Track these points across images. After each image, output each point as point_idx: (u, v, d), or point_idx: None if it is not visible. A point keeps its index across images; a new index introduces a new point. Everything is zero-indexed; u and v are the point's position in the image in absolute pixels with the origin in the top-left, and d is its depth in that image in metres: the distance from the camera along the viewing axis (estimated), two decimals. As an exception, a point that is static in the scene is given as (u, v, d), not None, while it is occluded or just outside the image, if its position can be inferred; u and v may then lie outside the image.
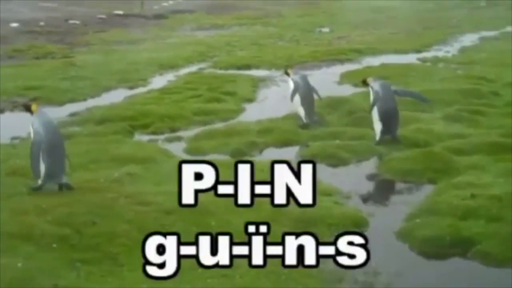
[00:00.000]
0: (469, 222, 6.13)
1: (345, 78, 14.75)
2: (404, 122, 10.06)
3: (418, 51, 19.24)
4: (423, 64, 16.77)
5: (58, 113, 11.98)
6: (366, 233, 6.01)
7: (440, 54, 18.54)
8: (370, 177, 7.88)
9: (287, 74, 10.74)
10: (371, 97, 9.28)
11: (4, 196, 7.04)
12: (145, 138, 10.09)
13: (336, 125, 10.26)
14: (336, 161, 8.49)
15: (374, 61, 17.28)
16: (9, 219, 6.27)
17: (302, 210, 6.29)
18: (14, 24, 25.75)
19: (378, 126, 9.11)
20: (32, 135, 7.28)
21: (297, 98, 10.08)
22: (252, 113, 11.33)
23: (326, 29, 26.28)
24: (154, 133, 10.37)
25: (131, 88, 14.62)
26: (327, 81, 14.53)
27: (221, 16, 32.78)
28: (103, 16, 30.48)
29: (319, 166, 8.20)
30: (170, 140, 9.85)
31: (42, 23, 26.66)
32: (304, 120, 10.05)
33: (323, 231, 6.10)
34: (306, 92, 10.12)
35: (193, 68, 17.36)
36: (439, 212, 6.37)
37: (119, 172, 7.77)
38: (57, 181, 7.18)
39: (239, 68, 17.01)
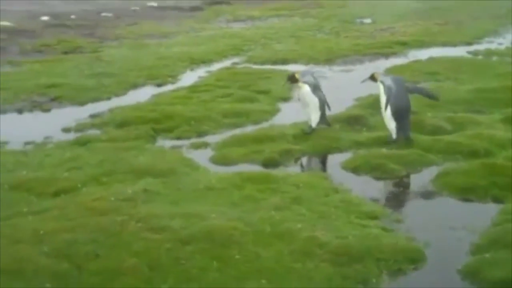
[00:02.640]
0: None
1: (390, 73, 13.50)
2: (459, 125, 8.93)
3: (468, 43, 17.85)
4: (475, 58, 15.41)
5: (79, 113, 11.16)
6: (423, 271, 4.99)
7: (493, 46, 17.10)
8: (424, 195, 6.71)
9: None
10: (383, 94, 8.37)
11: (1, 217, 6.16)
12: (168, 143, 9.10)
13: (382, 129, 9.09)
14: (382, 174, 7.37)
15: (421, 54, 15.99)
16: (1, 249, 5.36)
17: (344, 241, 5.27)
18: (45, 18, 25.09)
19: (392, 125, 8.32)
20: None
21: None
22: (288, 115, 10.26)
23: (367, 20, 24.99)
24: (179, 138, 9.38)
25: (159, 85, 13.67)
26: (370, 77, 13.36)
27: (258, 7, 31.68)
28: (137, 8, 29.68)
29: (363, 180, 7.18)
30: (195, 147, 8.84)
31: (73, 16, 25.96)
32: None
33: (371, 269, 5.06)
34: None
35: (227, 63, 16.33)
36: (513, 244, 5.22)
37: (134, 187, 6.79)
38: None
39: (275, 62, 15.90)
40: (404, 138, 8.25)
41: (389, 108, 8.26)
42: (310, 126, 8.92)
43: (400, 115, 8.27)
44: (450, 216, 6.11)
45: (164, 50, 18.15)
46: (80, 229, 5.71)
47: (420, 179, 7.19)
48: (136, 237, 5.55)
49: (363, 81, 8.96)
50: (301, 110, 9.14)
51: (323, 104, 8.88)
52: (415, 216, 6.14)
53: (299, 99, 9.18)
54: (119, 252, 5.30)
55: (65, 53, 18.89)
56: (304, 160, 8.20)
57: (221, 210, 6.15)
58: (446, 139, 8.25)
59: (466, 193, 6.59)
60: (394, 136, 8.31)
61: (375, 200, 6.55)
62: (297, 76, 8.97)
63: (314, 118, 8.90)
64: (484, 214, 6.11)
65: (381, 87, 8.40)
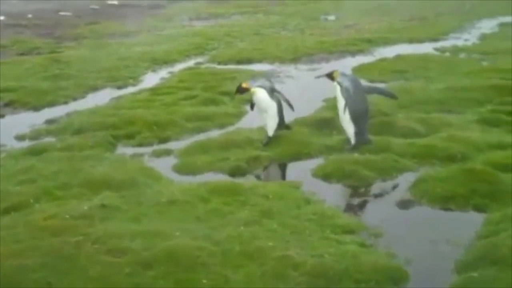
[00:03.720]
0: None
1: (358, 72, 13.11)
2: (432, 127, 8.59)
3: (434, 39, 17.63)
4: (442, 55, 15.15)
5: (34, 119, 10.59)
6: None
7: (459, 43, 16.91)
8: (401, 204, 6.30)
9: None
10: (340, 96, 7.98)
11: None
12: (129, 151, 8.57)
13: (353, 132, 8.73)
14: (355, 181, 6.97)
15: (388, 52, 15.69)
16: None
17: (320, 261, 4.85)
18: (0, 17, 24.21)
19: (350, 129, 7.92)
20: None
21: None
22: (254, 118, 9.75)
23: (332, 17, 24.73)
24: (140, 145, 8.86)
25: (119, 87, 13.11)
26: (337, 76, 12.99)
27: (221, 4, 31.19)
28: (96, 7, 28.98)
29: (335, 188, 6.78)
30: (158, 154, 8.35)
31: (30, 16, 25.15)
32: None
33: (350, 292, 4.63)
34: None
35: (190, 63, 15.83)
36: (502, 260, 4.83)
37: (90, 203, 6.27)
38: None
39: (239, 62, 15.45)
40: (363, 142, 7.88)
41: (347, 111, 7.86)
42: (267, 136, 8.37)
43: (359, 118, 7.90)
44: (431, 228, 5.73)
45: (125, 50, 17.58)
46: (30, 253, 5.18)
47: (395, 187, 6.81)
48: (93, 261, 5.05)
49: (318, 77, 8.58)
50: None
51: (281, 110, 8.33)
52: (394, 229, 5.73)
53: (252, 106, 8.62)
54: (73, 279, 4.80)
55: (21, 54, 18.20)
56: (272, 168, 7.74)
57: (186, 227, 5.68)
58: (420, 143, 7.89)
59: (446, 202, 6.21)
60: (352, 141, 7.92)
61: (349, 212, 6.15)
62: (244, 85, 8.41)
63: (271, 125, 8.31)
64: (467, 225, 5.75)
65: (338, 88, 8.00)
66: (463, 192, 6.29)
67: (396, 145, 7.87)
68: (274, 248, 5.16)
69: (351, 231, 5.64)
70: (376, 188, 6.84)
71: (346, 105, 7.85)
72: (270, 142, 8.27)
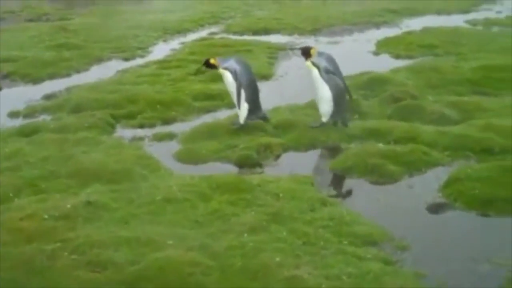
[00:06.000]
0: None
1: (382, 46, 12.27)
2: (465, 113, 7.71)
3: (465, 11, 16.57)
4: (474, 28, 14.12)
5: (32, 93, 9.87)
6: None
7: (491, 15, 15.82)
8: (432, 209, 5.43)
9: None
10: (318, 77, 7.13)
11: None
12: (128, 133, 7.80)
13: (377, 116, 7.86)
14: (379, 178, 6.11)
15: (415, 24, 14.71)
16: None
17: (336, 285, 4.04)
18: (11, -19, 23.36)
19: (328, 107, 7.24)
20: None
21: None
22: (268, 97, 8.92)
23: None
24: (141, 126, 8.09)
25: (126, 59, 12.34)
26: (361, 50, 12.11)
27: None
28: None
29: (356, 185, 5.94)
30: (159, 138, 7.56)
31: (41, -20, 24.25)
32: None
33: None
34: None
35: (203, 33, 14.95)
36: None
37: (75, 199, 5.49)
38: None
39: (255, 32, 14.55)
40: (340, 122, 7.31)
41: (329, 91, 7.11)
42: (237, 121, 7.52)
43: (340, 98, 7.22)
44: (468, 241, 4.87)
45: (135, 18, 16.71)
46: (-3, 263, 4.44)
47: (425, 185, 5.92)
48: (68, 276, 4.29)
49: (292, 49, 7.71)
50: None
51: (249, 96, 7.35)
52: (423, 240, 4.87)
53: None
54: (42, 301, 4.05)
55: (30, 20, 17.49)
56: (284, 158, 6.90)
57: (181, 233, 4.89)
58: (452, 132, 7.00)
59: (485, 207, 5.33)
60: (324, 119, 7.28)
61: (371, 216, 5.28)
62: (213, 61, 7.45)
63: (241, 112, 7.40)
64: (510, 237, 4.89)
65: (315, 71, 7.14)
66: (505, 195, 5.39)
67: (425, 133, 6.99)
68: (282, 265, 4.34)
69: (373, 243, 4.80)
70: (402, 186, 5.97)
71: (331, 86, 7.14)
72: (239, 129, 7.46)
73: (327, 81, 7.13)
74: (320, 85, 7.17)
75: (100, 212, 5.30)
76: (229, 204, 5.43)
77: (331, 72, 7.12)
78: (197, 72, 7.72)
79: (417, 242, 4.85)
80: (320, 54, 7.30)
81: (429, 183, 5.95)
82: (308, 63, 7.19)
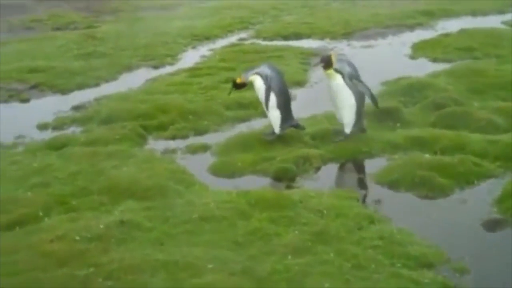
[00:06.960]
0: None
1: (419, 50, 11.84)
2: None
3: (501, 11, 16.00)
4: (512, 29, 13.62)
5: (60, 104, 9.64)
6: None
7: (529, 15, 15.30)
8: (489, 226, 5.04)
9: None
10: (341, 83, 6.79)
11: None
12: (160, 145, 7.52)
13: (420, 124, 7.48)
14: (429, 191, 5.73)
15: (450, 25, 14.18)
16: None
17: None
18: (38, -10, 23.35)
19: (352, 115, 6.92)
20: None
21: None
22: (303, 104, 8.63)
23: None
24: (173, 137, 7.81)
25: (155, 67, 12.08)
26: (396, 54, 11.68)
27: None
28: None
29: (404, 200, 5.58)
30: (192, 151, 7.27)
31: (68, -12, 24.21)
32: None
33: None
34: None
35: (232, 39, 14.65)
36: None
37: (108, 218, 5.21)
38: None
39: (286, 38, 14.21)
40: (359, 131, 7.07)
41: (353, 99, 6.83)
42: (271, 132, 7.22)
43: (361, 107, 6.97)
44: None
45: (163, 25, 16.47)
46: (26, 291, 4.17)
47: (478, 200, 5.54)
48: (102, 307, 4.00)
49: (316, 65, 7.67)
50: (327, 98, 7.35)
51: (281, 103, 7.00)
52: (482, 262, 4.50)
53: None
54: (75, 334, 3.76)
55: (57, 29, 17.37)
56: (325, 170, 6.55)
57: (221, 255, 4.57)
58: (503, 140, 6.60)
59: (546, 224, 4.96)
60: (347, 131, 6.97)
61: (424, 234, 4.91)
62: (239, 80, 7.21)
63: (273, 121, 7.12)
64: None
65: (339, 77, 6.79)
66: None
67: (473, 142, 6.60)
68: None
69: (428, 265, 4.44)
70: (454, 201, 5.59)
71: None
72: (273, 139, 7.15)
73: (351, 88, 6.78)
74: (345, 92, 6.81)
75: (134, 232, 5.01)
76: (270, 222, 5.11)
77: (355, 77, 6.77)
78: (230, 93, 7.44)
79: (477, 263, 4.48)
80: (340, 59, 6.96)
81: (482, 197, 5.57)
82: (330, 71, 6.82)
